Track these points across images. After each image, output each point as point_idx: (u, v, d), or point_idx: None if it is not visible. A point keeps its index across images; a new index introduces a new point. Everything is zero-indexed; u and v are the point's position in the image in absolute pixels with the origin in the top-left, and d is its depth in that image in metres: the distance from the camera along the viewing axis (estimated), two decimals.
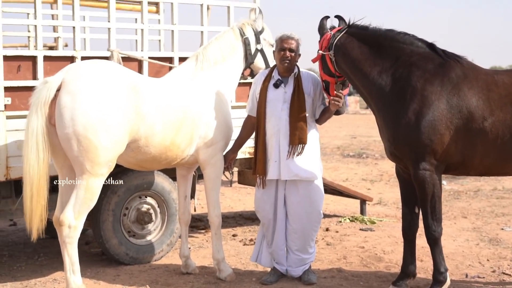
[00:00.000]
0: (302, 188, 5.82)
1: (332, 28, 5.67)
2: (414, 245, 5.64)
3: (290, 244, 5.95)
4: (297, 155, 5.73)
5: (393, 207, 9.88)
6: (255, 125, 5.95)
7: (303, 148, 5.74)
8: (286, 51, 5.76)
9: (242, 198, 10.69)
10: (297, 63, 5.91)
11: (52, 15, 8.72)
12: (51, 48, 9.41)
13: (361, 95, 5.57)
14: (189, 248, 6.62)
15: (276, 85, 5.83)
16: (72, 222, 5.11)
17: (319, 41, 5.70)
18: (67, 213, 5.11)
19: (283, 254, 5.99)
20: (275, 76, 5.87)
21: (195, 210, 7.35)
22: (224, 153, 6.09)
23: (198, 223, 8.55)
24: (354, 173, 13.68)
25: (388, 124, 5.23)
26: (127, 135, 5.27)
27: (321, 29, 5.72)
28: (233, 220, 8.90)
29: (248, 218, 8.99)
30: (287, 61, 5.78)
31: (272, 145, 5.80)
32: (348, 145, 18.80)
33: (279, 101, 5.80)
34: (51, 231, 6.06)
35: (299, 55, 5.89)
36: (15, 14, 8.52)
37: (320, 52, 5.58)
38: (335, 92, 5.62)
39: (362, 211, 9.02)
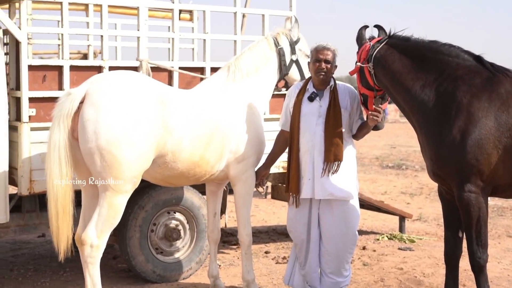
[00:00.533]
0: (337, 208, 5.50)
1: (372, 38, 5.35)
2: (457, 271, 5.27)
3: (324, 267, 5.62)
4: (332, 173, 5.41)
5: (433, 224, 9.47)
6: (288, 140, 5.65)
7: (338, 165, 5.42)
8: (322, 63, 5.45)
9: (276, 211, 10.38)
10: (333, 75, 5.60)
11: (87, 23, 8.54)
12: (85, 56, 9.25)
13: (402, 110, 5.23)
14: (219, 266, 6.35)
15: (311, 99, 5.52)
16: (95, 241, 4.87)
17: (357, 52, 5.38)
18: (89, 231, 4.88)
19: (317, 277, 5.66)
20: (310, 88, 5.56)
21: (225, 226, 7.07)
22: (256, 169, 5.79)
23: (230, 238, 8.26)
24: (393, 185, 13.28)
25: (430, 142, 4.88)
26: (153, 150, 5.02)
27: (360, 39, 5.40)
28: (266, 235, 8.60)
29: (282, 233, 8.67)
30: (323, 73, 5.46)
31: (306, 161, 5.50)
32: (387, 156, 18.39)
33: (313, 116, 5.49)
34: None
35: (336, 66, 5.57)
36: (46, 22, 8.36)
37: (359, 64, 5.26)
38: (373, 106, 5.29)
39: (401, 228, 8.64)
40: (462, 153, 4.70)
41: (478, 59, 4.93)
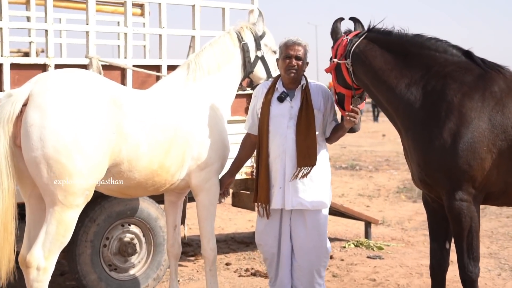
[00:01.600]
0: (310, 219, 5.02)
1: (348, 32, 4.88)
2: (444, 286, 4.83)
3: (296, 283, 5.12)
4: (303, 176, 4.92)
5: (397, 228, 9.09)
6: (255, 145, 5.13)
7: (310, 170, 4.93)
8: (292, 59, 4.95)
9: (232, 217, 9.85)
10: (305, 73, 5.11)
11: (27, 17, 7.86)
12: (26, 54, 8.54)
13: (384, 111, 4.77)
14: (178, 281, 5.78)
15: (281, 99, 5.02)
16: (42, 263, 4.26)
17: (333, 48, 4.91)
18: (36, 252, 4.26)
19: None
20: (280, 88, 5.05)
21: (185, 238, 6.52)
22: (220, 176, 5.26)
23: (187, 249, 7.69)
24: (349, 187, 12.89)
25: (418, 146, 4.43)
26: (106, 159, 4.43)
27: (335, 33, 4.93)
28: (225, 244, 8.06)
29: (241, 242, 8.16)
30: (294, 71, 4.96)
31: (276, 168, 4.99)
32: (339, 156, 18.03)
33: (284, 117, 4.99)
34: None
35: (307, 63, 5.09)
36: None
37: (335, 60, 4.78)
38: (351, 106, 4.82)
39: (367, 235, 8.20)
40: (453, 158, 4.27)
41: (468, 54, 4.51)
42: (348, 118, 4.79)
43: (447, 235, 4.70)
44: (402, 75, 4.51)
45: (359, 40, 4.69)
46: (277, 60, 5.13)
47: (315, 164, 4.92)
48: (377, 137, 23.65)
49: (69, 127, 4.20)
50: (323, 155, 5.09)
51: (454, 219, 4.38)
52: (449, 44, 4.53)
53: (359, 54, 4.66)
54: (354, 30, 4.89)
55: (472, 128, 4.26)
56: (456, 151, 4.25)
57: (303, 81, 5.05)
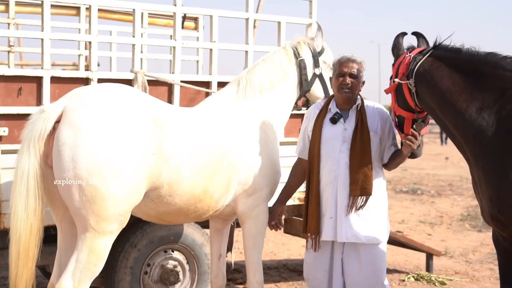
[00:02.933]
0: (364, 253, 4.54)
1: (411, 48, 4.43)
2: None
3: None
4: (359, 208, 4.46)
5: (461, 260, 8.48)
6: (306, 171, 4.69)
7: (366, 200, 4.48)
8: (346, 77, 4.52)
9: (286, 242, 9.39)
10: (361, 93, 4.66)
11: (79, 29, 7.64)
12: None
13: (451, 138, 4.27)
14: None
15: (334, 120, 4.58)
16: None
17: (394, 66, 4.46)
18: (65, 282, 3.93)
19: None
20: (333, 108, 4.63)
21: (232, 267, 6.12)
22: (270, 205, 4.85)
23: (236, 275, 7.28)
24: (409, 213, 12.29)
25: (490, 178, 3.91)
26: (145, 182, 4.08)
27: (396, 49, 4.49)
28: (276, 271, 7.61)
29: (294, 270, 7.71)
30: (347, 90, 4.53)
31: (327, 196, 4.55)
32: (399, 179, 17.38)
33: (337, 141, 4.55)
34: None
35: (363, 82, 4.65)
36: (31, 27, 7.43)
37: (396, 80, 4.33)
38: (411, 130, 4.35)
39: (428, 267, 7.64)
40: None
41: None
42: (407, 143, 4.35)
43: None
44: (472, 98, 4.02)
45: (424, 58, 4.23)
46: (330, 78, 4.72)
47: (370, 194, 4.47)
48: (440, 160, 22.85)
49: (104, 147, 3.87)
50: (380, 183, 4.64)
51: None
52: None
53: (424, 74, 4.20)
54: (418, 46, 4.44)
55: None
56: None
57: (359, 101, 4.62)
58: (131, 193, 4.00)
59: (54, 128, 3.91)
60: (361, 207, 4.48)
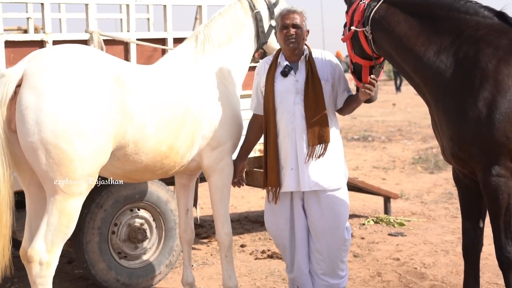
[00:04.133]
0: (324, 199, 4.62)
1: None
2: (478, 267, 4.49)
3: (315, 267, 4.75)
4: (319, 157, 4.55)
5: (417, 202, 8.74)
6: (263, 125, 4.75)
7: (325, 148, 4.56)
8: (290, 28, 4.53)
9: (245, 195, 9.50)
10: (307, 42, 4.71)
11: None
12: (25, 31, 8.17)
13: (410, 81, 4.37)
14: (192, 266, 5.46)
15: (285, 73, 4.61)
16: (44, 257, 3.93)
17: (347, 13, 4.51)
18: (37, 245, 3.93)
19: (308, 280, 4.80)
20: (282, 62, 4.65)
21: (198, 221, 6.18)
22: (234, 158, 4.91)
23: (200, 230, 7.36)
24: (362, 159, 12.52)
25: (450, 118, 4.04)
26: (110, 141, 4.07)
27: None
28: (238, 224, 7.72)
29: (255, 221, 7.83)
30: (292, 40, 4.54)
31: (286, 148, 4.60)
32: (349, 127, 17.62)
33: (290, 93, 4.59)
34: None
35: (308, 31, 4.66)
36: None
37: (353, 28, 4.38)
38: (369, 77, 4.43)
39: (387, 210, 7.87)
40: (489, 130, 3.89)
41: (501, 15, 4.11)
42: (364, 90, 4.41)
43: (480, 213, 4.36)
44: (430, 42, 4.12)
45: (378, 4, 4.29)
46: (275, 33, 4.75)
47: (329, 141, 4.54)
48: (388, 106, 23.18)
49: (68, 108, 3.84)
50: (335, 130, 4.69)
51: (491, 196, 4.02)
52: (480, 5, 4.12)
53: (380, 20, 4.26)
54: None
55: (509, 96, 3.88)
56: (493, 123, 3.88)
57: (306, 52, 4.66)
58: (98, 153, 4.00)
59: (15, 93, 3.85)
60: (321, 155, 4.55)
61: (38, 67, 3.88)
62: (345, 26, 4.55)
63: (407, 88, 26.77)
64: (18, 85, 3.85)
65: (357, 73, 4.56)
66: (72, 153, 3.86)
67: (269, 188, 4.67)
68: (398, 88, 28.80)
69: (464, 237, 4.47)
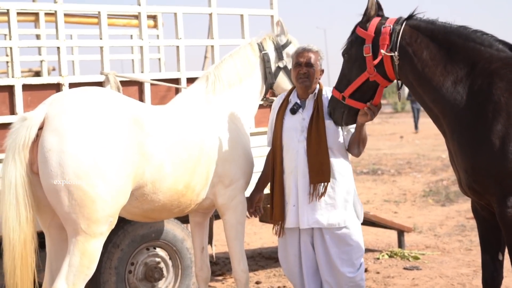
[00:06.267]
0: (328, 237, 4.63)
1: (383, 16, 4.37)
2: None
3: None
4: (321, 196, 4.57)
5: (430, 235, 8.73)
6: (271, 160, 4.80)
7: (325, 187, 4.57)
8: (303, 67, 4.61)
9: (257, 231, 9.51)
10: (320, 81, 4.76)
11: (37, 35, 7.60)
12: (37, 73, 8.29)
13: (429, 112, 4.32)
14: None
15: (293, 111, 4.68)
16: None
17: (363, 28, 4.33)
18: (59, 286, 3.95)
19: None
20: (293, 99, 4.73)
21: (214, 259, 6.20)
22: (248, 195, 4.95)
23: (214, 268, 7.36)
24: (373, 193, 12.54)
25: (464, 150, 4.06)
26: (130, 182, 4.13)
27: (372, 10, 4.34)
28: (252, 261, 7.72)
29: (269, 258, 7.83)
30: (305, 79, 4.63)
31: (289, 185, 4.65)
32: (358, 161, 17.61)
33: (296, 131, 4.65)
34: None
35: (322, 70, 4.73)
36: None
37: (383, 52, 4.21)
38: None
39: (400, 244, 7.86)
40: (502, 162, 3.92)
41: None
42: (367, 112, 4.35)
43: (499, 246, 4.35)
44: (447, 72, 4.12)
45: (402, 28, 4.21)
46: (291, 70, 4.83)
47: (328, 181, 4.56)
48: (395, 139, 23.25)
49: (89, 150, 3.90)
50: (343, 167, 4.68)
51: (507, 228, 4.02)
52: (496, 38, 4.15)
53: (406, 48, 4.20)
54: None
55: None
56: (506, 155, 3.91)
57: (316, 90, 4.71)
58: (119, 194, 4.05)
59: (37, 136, 3.92)
60: (322, 194, 4.57)
61: (60, 110, 3.95)
62: (356, 39, 4.37)
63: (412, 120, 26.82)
64: (40, 128, 3.92)
65: (365, 95, 4.46)
66: (94, 194, 3.91)
67: (275, 222, 4.73)
68: (416, 126, 26.01)
69: (484, 271, 4.45)
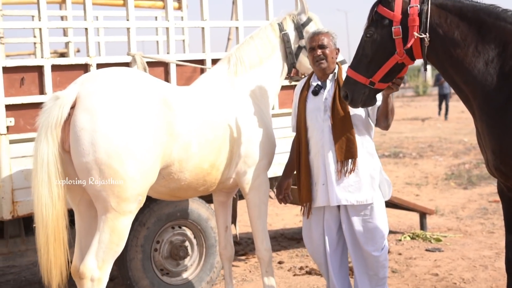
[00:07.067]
0: (354, 214, 4.70)
1: None
2: None
3: (357, 281, 4.83)
4: (351, 172, 4.63)
5: (452, 218, 8.75)
6: (295, 143, 4.88)
7: (354, 163, 4.63)
8: (317, 49, 4.68)
9: (280, 212, 9.58)
10: (338, 60, 4.81)
11: (62, 17, 7.68)
12: (62, 54, 8.39)
13: (459, 93, 4.27)
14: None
15: (315, 92, 4.74)
16: (96, 273, 4.05)
17: (387, 8, 4.19)
18: (89, 262, 4.05)
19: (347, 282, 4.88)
20: (314, 81, 4.80)
21: (237, 238, 6.27)
22: (276, 181, 5.02)
23: (237, 248, 7.42)
24: (395, 176, 12.53)
25: (493, 132, 4.05)
26: (158, 162, 4.21)
27: None
28: (275, 241, 7.79)
29: (291, 239, 7.90)
30: (321, 61, 4.69)
31: (318, 165, 4.71)
32: (380, 144, 17.62)
33: (319, 111, 4.71)
34: None
35: (338, 49, 4.79)
36: (19, 18, 7.45)
37: (416, 35, 4.10)
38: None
39: (423, 226, 7.89)
40: None
41: None
42: (395, 85, 4.34)
43: None
44: (478, 53, 4.04)
45: (429, 7, 4.10)
46: (308, 56, 4.87)
47: (356, 156, 4.62)
48: (417, 123, 23.18)
49: (121, 130, 3.99)
50: (368, 145, 4.75)
51: None
52: None
53: (436, 29, 4.11)
54: None
55: None
56: None
57: (336, 70, 4.76)
58: (148, 173, 4.13)
59: (69, 115, 4.00)
60: (351, 170, 4.64)
61: (92, 89, 4.03)
62: (381, 19, 4.21)
63: (436, 104, 26.68)
64: (72, 107, 4.00)
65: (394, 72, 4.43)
66: (124, 173, 3.99)
67: (302, 203, 4.78)
68: (442, 113, 24.29)
69: (507, 251, 4.46)
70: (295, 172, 4.95)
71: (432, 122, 22.65)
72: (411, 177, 12.27)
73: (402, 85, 4.51)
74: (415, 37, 4.12)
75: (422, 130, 20.57)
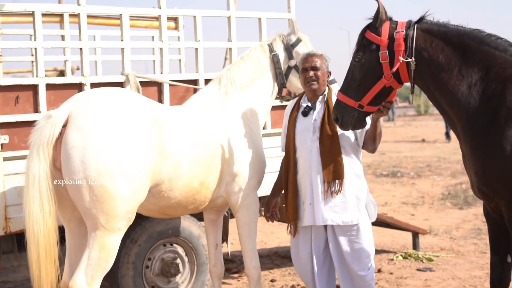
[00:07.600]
0: (340, 234, 4.79)
1: (391, 20, 4.33)
2: None
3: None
4: (337, 193, 4.71)
5: (445, 237, 8.79)
6: (284, 163, 4.98)
7: (341, 184, 4.72)
8: (309, 71, 4.79)
9: (274, 230, 9.63)
10: (328, 82, 4.90)
11: (62, 36, 7.80)
12: (61, 72, 8.50)
13: (445, 115, 4.38)
14: None
15: (305, 113, 4.85)
16: None
17: (376, 34, 4.29)
18: (78, 279, 4.12)
19: None
20: (304, 103, 4.91)
21: (229, 256, 6.33)
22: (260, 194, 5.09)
23: (230, 265, 7.50)
24: (391, 195, 12.59)
25: (476, 154, 4.13)
26: (148, 180, 4.29)
27: (382, 14, 4.28)
28: (268, 260, 7.85)
29: (285, 257, 7.95)
30: (313, 82, 4.80)
31: (305, 185, 4.80)
32: (378, 163, 17.70)
33: (308, 132, 4.81)
34: None
35: (329, 72, 4.89)
36: (17, 37, 7.59)
37: (402, 59, 4.21)
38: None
39: (415, 245, 7.93)
40: None
41: None
42: (385, 109, 4.41)
43: (509, 248, 4.43)
44: (462, 76, 4.15)
45: (414, 33, 4.21)
46: (300, 77, 4.98)
47: (343, 177, 4.72)
48: (417, 142, 23.25)
49: (112, 149, 4.07)
50: (355, 167, 4.84)
51: None
52: (510, 43, 4.16)
53: (421, 53, 4.21)
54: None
55: None
56: None
57: (326, 92, 4.87)
58: (138, 191, 4.21)
59: (60, 133, 4.09)
60: (338, 191, 4.72)
61: (83, 108, 4.13)
62: (368, 44, 4.31)
63: (436, 124, 26.78)
64: (64, 126, 4.09)
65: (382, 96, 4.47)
66: (114, 191, 4.07)
67: (289, 222, 4.88)
68: (448, 137, 22.91)
69: (492, 272, 4.53)
70: (283, 191, 5.03)
71: (432, 141, 22.70)
72: (407, 197, 12.32)
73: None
74: (401, 61, 4.22)
75: (421, 149, 20.64)
